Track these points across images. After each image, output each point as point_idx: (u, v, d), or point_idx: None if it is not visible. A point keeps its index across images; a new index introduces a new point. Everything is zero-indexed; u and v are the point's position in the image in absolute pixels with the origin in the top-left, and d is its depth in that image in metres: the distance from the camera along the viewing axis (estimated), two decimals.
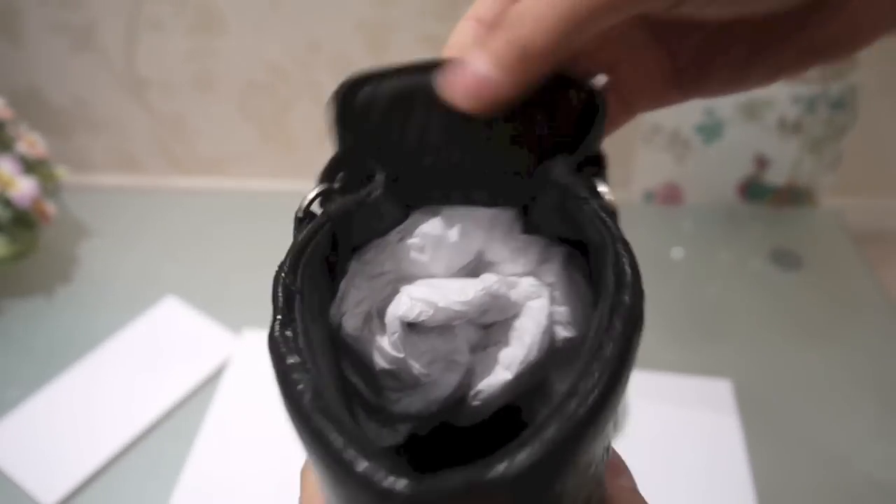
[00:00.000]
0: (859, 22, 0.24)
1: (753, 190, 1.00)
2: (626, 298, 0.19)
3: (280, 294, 0.21)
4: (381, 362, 0.26)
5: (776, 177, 0.98)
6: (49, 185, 0.80)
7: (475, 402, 0.27)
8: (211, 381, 0.70)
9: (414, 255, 0.26)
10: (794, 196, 1.00)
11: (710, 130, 0.99)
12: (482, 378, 0.26)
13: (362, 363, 0.26)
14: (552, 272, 0.27)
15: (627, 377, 0.19)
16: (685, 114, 1.01)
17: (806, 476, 0.61)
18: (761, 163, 0.98)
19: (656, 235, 0.85)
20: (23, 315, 0.78)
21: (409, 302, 0.25)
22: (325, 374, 0.21)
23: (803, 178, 0.99)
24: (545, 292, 0.26)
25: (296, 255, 0.22)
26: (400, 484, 0.16)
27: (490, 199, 0.26)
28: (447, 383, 0.27)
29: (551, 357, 0.26)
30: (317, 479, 0.22)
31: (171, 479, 0.62)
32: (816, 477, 0.61)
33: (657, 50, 0.27)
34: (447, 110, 0.23)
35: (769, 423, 0.65)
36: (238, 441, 0.65)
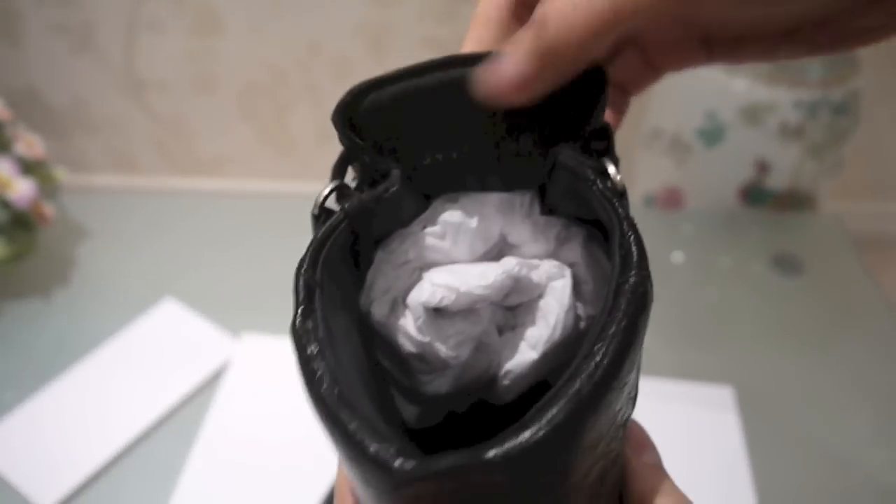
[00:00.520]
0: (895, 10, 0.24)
1: (754, 194, 1.00)
2: (631, 278, 0.20)
3: (301, 287, 0.22)
4: (408, 346, 0.26)
5: (777, 181, 0.98)
6: (47, 187, 0.80)
7: (505, 382, 0.27)
8: (210, 384, 0.70)
9: (436, 242, 0.27)
10: (795, 201, 1.00)
11: (712, 135, 0.98)
12: (510, 358, 0.27)
13: (392, 348, 0.27)
14: (573, 251, 0.27)
15: (633, 358, 0.19)
16: (686, 118, 1.01)
17: (807, 480, 0.61)
18: (762, 167, 0.97)
19: (657, 240, 0.85)
20: (21, 317, 0.78)
21: (431, 288, 0.26)
22: (347, 361, 0.22)
23: (804, 182, 0.98)
24: (567, 272, 0.27)
25: (315, 251, 0.23)
26: (407, 464, 0.17)
27: (504, 185, 0.27)
28: (477, 364, 0.27)
29: (576, 334, 0.27)
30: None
31: (170, 482, 0.62)
32: (817, 481, 0.61)
33: (688, 21, 0.28)
34: (451, 106, 0.25)
35: (770, 427, 0.64)
36: (237, 445, 0.64)
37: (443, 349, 0.26)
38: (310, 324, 0.21)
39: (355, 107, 0.25)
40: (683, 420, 0.65)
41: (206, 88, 0.89)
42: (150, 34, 0.86)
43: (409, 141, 0.26)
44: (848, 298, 0.79)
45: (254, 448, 0.64)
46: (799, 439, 0.64)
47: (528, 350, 0.27)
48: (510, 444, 0.17)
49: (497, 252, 0.28)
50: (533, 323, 0.27)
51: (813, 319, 0.76)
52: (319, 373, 0.20)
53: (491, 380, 0.28)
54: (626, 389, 0.20)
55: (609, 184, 0.23)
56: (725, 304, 0.78)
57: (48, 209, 0.78)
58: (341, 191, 0.25)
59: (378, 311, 0.27)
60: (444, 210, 0.27)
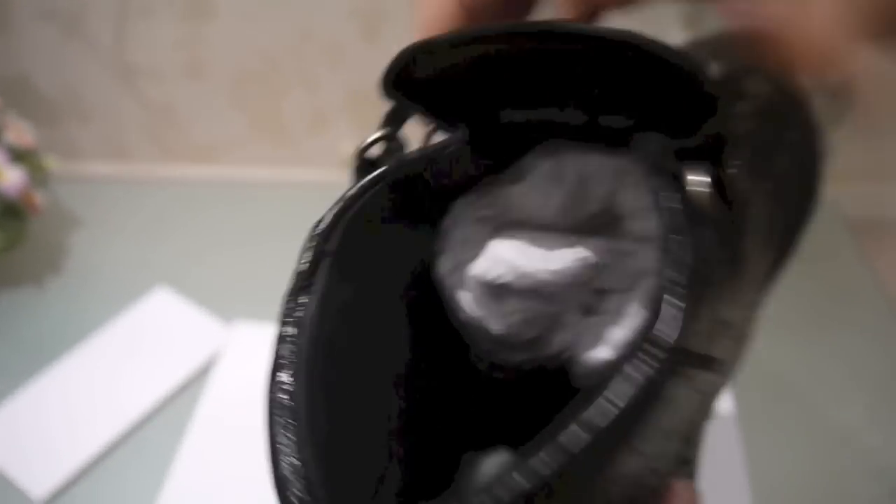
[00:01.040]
0: None
1: None
2: (658, 313, 0.16)
3: (304, 256, 0.20)
4: (462, 314, 0.24)
5: None
6: (38, 175, 0.79)
7: (578, 369, 0.24)
8: (203, 373, 0.70)
9: (524, 200, 0.24)
10: None
11: None
12: (587, 349, 0.24)
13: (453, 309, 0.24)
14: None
15: (656, 408, 0.17)
16: None
17: (800, 464, 0.61)
18: None
19: None
20: (11, 306, 0.77)
21: (489, 263, 0.23)
22: (345, 339, 0.20)
23: None
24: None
25: (338, 213, 0.21)
26: None
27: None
28: (548, 342, 0.24)
29: None
30: None
31: (163, 471, 0.62)
32: (811, 464, 0.61)
33: None
34: (545, 71, 0.21)
35: (764, 411, 0.65)
36: (229, 433, 0.64)
37: (495, 327, 0.23)
38: (298, 300, 0.19)
39: (413, 65, 0.22)
40: None
41: (198, 75, 0.89)
42: (141, 20, 0.85)
43: (483, 99, 0.23)
44: (843, 283, 0.79)
45: (246, 436, 0.64)
46: (793, 423, 0.64)
47: (605, 349, 0.23)
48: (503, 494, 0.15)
49: (597, 224, 0.24)
50: (617, 318, 0.23)
51: (807, 304, 0.76)
52: (283, 363, 0.18)
53: (566, 361, 0.24)
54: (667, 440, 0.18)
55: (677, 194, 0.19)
56: None
57: (39, 198, 0.77)
58: (389, 143, 0.22)
59: (443, 265, 0.24)
60: (538, 164, 0.23)
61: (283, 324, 0.19)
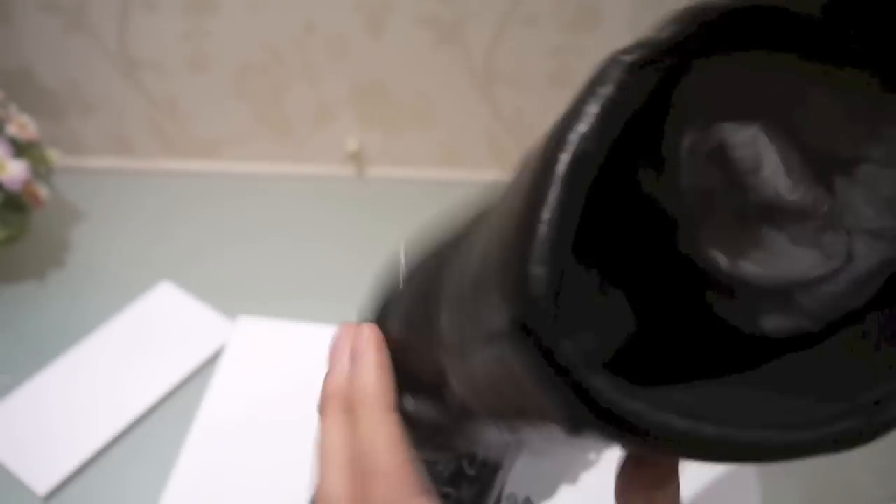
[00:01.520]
0: None
1: None
2: None
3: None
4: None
5: None
6: (41, 168, 0.79)
7: (810, 303, 0.21)
8: (207, 368, 0.69)
9: None
10: None
11: None
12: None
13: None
14: None
15: None
16: None
17: (801, 462, 0.61)
18: None
19: None
20: (14, 300, 0.77)
21: None
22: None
23: None
24: None
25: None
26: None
27: None
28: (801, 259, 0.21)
29: None
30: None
31: (167, 466, 0.62)
32: (812, 462, 0.61)
33: None
34: None
35: None
36: (234, 428, 0.64)
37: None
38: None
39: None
40: None
41: (202, 68, 0.88)
42: (144, 13, 0.85)
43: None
44: None
45: (251, 431, 0.64)
46: None
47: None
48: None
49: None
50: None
51: None
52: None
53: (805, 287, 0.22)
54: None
55: None
56: None
57: (41, 191, 0.77)
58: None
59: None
60: None
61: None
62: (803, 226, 0.22)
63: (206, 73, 0.89)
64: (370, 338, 0.29)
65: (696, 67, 0.20)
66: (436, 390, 0.26)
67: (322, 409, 0.28)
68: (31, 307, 0.76)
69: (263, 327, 0.72)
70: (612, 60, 0.18)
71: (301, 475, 0.57)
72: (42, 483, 0.61)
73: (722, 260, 0.23)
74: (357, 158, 0.92)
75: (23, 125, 0.78)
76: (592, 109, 0.18)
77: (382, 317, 0.31)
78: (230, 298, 0.75)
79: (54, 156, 0.81)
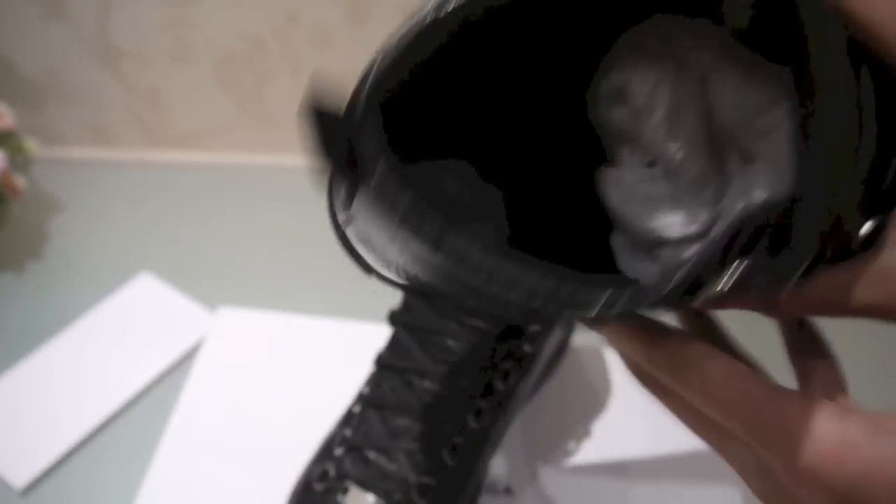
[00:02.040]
0: None
1: None
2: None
3: None
4: None
5: None
6: (18, 159, 0.78)
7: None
8: (187, 360, 0.69)
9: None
10: None
11: None
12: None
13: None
14: None
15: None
16: None
17: None
18: None
19: None
20: None
21: None
22: None
23: None
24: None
25: None
26: None
27: None
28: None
29: None
30: None
31: (146, 458, 0.61)
32: None
33: None
34: None
35: None
36: (213, 421, 0.64)
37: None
38: None
39: None
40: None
41: (183, 58, 0.87)
42: (124, 1, 0.84)
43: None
44: None
45: (230, 424, 0.63)
46: None
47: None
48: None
49: None
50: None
51: None
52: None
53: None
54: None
55: None
56: None
57: (19, 182, 0.76)
58: None
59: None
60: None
61: None
62: (686, 191, 0.26)
63: (187, 63, 0.88)
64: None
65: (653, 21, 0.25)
66: None
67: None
68: (9, 299, 0.75)
69: (244, 318, 0.71)
70: None
71: (279, 471, 0.57)
72: (19, 476, 0.60)
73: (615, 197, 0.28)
74: None
75: (0, 114, 0.77)
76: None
77: None
78: (211, 290, 0.74)
79: (32, 146, 0.80)
